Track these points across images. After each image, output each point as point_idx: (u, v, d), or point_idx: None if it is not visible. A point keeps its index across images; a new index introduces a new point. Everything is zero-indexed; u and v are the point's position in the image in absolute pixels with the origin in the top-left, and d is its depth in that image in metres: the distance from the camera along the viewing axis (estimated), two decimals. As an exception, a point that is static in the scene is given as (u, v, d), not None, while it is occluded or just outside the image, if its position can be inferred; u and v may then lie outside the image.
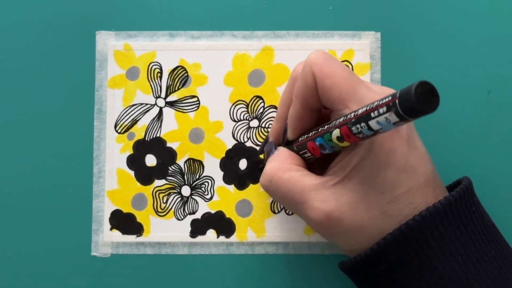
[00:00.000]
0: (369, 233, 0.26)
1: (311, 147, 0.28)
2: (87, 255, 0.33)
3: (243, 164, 0.34)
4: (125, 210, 0.34)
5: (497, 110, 0.34)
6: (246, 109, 0.34)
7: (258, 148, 0.34)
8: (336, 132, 0.25)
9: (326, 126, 0.26)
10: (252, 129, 0.34)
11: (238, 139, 0.34)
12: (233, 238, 0.33)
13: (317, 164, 0.30)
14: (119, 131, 0.34)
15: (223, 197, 0.34)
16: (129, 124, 0.34)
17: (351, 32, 0.34)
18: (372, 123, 0.23)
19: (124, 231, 0.33)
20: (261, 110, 0.34)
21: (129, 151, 0.34)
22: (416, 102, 0.20)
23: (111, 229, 0.33)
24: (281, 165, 0.28)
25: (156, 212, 0.34)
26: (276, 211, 0.34)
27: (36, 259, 0.33)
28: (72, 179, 0.34)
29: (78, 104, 0.34)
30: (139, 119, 0.34)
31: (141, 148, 0.34)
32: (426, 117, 0.34)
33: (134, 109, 0.34)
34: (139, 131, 0.34)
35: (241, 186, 0.34)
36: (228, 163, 0.34)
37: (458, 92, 0.34)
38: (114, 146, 0.34)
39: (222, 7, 0.34)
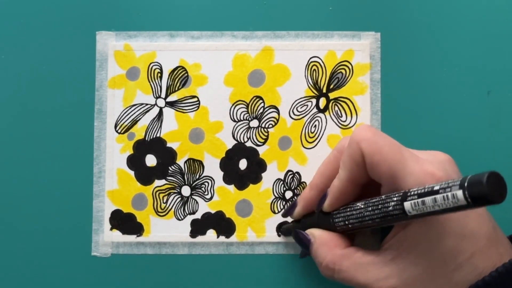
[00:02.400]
0: None
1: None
2: (87, 255, 0.33)
3: (243, 164, 0.34)
4: (125, 210, 0.34)
5: (497, 110, 0.34)
6: (246, 109, 0.34)
7: (282, 211, 0.33)
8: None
9: (378, 212, 0.26)
10: (252, 129, 0.34)
11: (238, 139, 0.34)
12: (233, 238, 0.33)
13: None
14: (119, 131, 0.34)
15: (223, 197, 0.34)
16: (129, 124, 0.34)
17: (351, 32, 0.34)
18: (435, 212, 0.23)
19: (124, 231, 0.34)
20: (261, 110, 0.34)
21: (129, 151, 0.34)
22: (489, 193, 0.20)
23: (111, 229, 0.33)
24: (334, 257, 0.28)
25: (156, 212, 0.34)
26: (276, 211, 0.34)
27: (36, 259, 0.33)
28: (72, 179, 0.34)
29: (78, 104, 0.34)
30: (139, 119, 0.34)
31: (141, 148, 0.34)
32: (426, 117, 0.34)
33: (134, 109, 0.34)
34: (139, 131, 0.34)
35: (241, 186, 0.34)
36: (228, 163, 0.34)
37: (458, 92, 0.34)
38: (114, 146, 0.34)
39: (222, 7, 0.34)
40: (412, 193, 0.24)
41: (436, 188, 0.22)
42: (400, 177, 0.25)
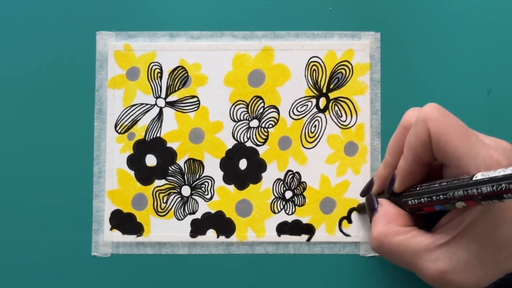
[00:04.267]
0: None
1: (427, 210, 0.28)
2: (87, 255, 0.33)
3: (243, 164, 0.34)
4: (125, 210, 0.34)
5: (497, 110, 0.34)
6: (246, 109, 0.34)
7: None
8: (461, 203, 0.25)
9: (442, 197, 0.26)
10: (252, 129, 0.34)
11: (238, 139, 0.34)
12: (233, 238, 0.33)
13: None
14: (119, 131, 0.34)
15: (223, 197, 0.34)
16: (129, 124, 0.34)
17: (351, 33, 0.34)
18: (507, 200, 0.23)
19: (124, 231, 0.34)
20: (261, 110, 0.34)
21: (129, 151, 0.34)
22: None
23: (111, 229, 0.33)
24: (389, 229, 0.28)
25: (156, 212, 0.34)
26: (276, 211, 0.34)
27: (36, 259, 0.33)
28: (72, 179, 0.34)
29: (78, 104, 0.34)
30: (139, 119, 0.34)
31: (141, 148, 0.34)
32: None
33: (134, 109, 0.34)
34: (139, 131, 0.34)
35: (241, 186, 0.34)
36: (228, 163, 0.34)
37: (458, 92, 0.34)
38: (114, 146, 0.34)
39: (222, 7, 0.34)
40: (478, 191, 0.24)
41: (507, 187, 0.22)
42: (466, 159, 0.25)
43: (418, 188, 0.28)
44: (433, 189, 0.27)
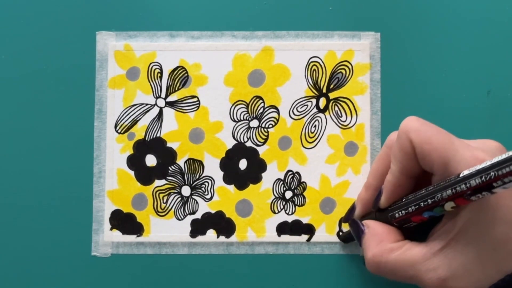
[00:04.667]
0: None
1: (417, 219, 0.27)
2: (87, 255, 0.33)
3: (243, 164, 0.34)
4: (125, 210, 0.34)
5: (497, 110, 0.34)
6: (246, 109, 0.34)
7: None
8: (450, 204, 0.25)
9: (430, 201, 0.26)
10: (252, 129, 0.34)
11: (238, 139, 0.34)
12: (233, 238, 0.33)
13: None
14: (119, 131, 0.34)
15: (223, 197, 0.34)
16: (129, 124, 0.34)
17: (351, 33, 0.34)
18: (496, 190, 0.23)
19: (124, 231, 0.34)
20: (261, 110, 0.34)
21: (129, 151, 0.34)
22: None
23: (111, 229, 0.34)
24: (382, 248, 0.28)
25: (156, 212, 0.34)
26: (276, 211, 0.34)
27: (36, 259, 0.33)
28: (72, 179, 0.34)
29: (78, 104, 0.34)
30: (139, 119, 0.34)
31: (141, 148, 0.34)
32: (426, 117, 0.34)
33: (134, 109, 0.34)
34: (139, 131, 0.34)
35: (241, 186, 0.34)
36: (228, 163, 0.34)
37: (458, 92, 0.34)
38: (114, 146, 0.34)
39: (222, 7, 0.34)
40: (467, 186, 0.24)
41: (496, 175, 0.22)
42: (451, 164, 0.25)
43: (404, 200, 0.28)
44: (420, 195, 0.27)
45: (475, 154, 0.25)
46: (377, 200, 0.30)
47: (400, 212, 0.28)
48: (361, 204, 0.31)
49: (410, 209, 0.27)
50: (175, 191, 0.34)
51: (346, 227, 0.33)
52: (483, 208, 0.25)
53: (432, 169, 0.26)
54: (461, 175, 0.24)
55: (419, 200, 0.27)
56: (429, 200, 0.26)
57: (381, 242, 0.28)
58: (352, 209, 0.32)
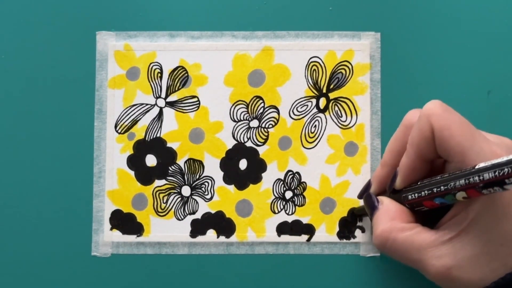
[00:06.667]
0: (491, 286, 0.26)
1: (428, 205, 0.28)
2: (87, 255, 0.33)
3: (243, 164, 0.34)
4: (125, 210, 0.34)
5: (497, 110, 0.34)
6: (246, 109, 0.34)
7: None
8: (461, 194, 0.25)
9: (443, 188, 0.26)
10: (252, 129, 0.34)
11: (238, 139, 0.34)
12: (233, 238, 0.33)
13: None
14: (119, 131, 0.34)
15: (223, 197, 0.34)
16: (129, 124, 0.34)
17: (351, 33, 0.34)
18: (509, 186, 0.23)
19: (124, 231, 0.34)
20: (261, 110, 0.34)
21: (129, 151, 0.34)
22: None
23: (111, 229, 0.34)
24: (392, 226, 0.28)
25: (156, 212, 0.34)
26: (276, 211, 0.34)
27: (36, 259, 0.33)
28: (72, 179, 0.34)
29: (78, 104, 0.34)
30: (139, 119, 0.34)
31: (141, 148, 0.34)
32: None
33: (134, 109, 0.34)
34: (139, 131, 0.34)
35: (241, 186, 0.34)
36: (228, 163, 0.34)
37: (458, 92, 0.34)
38: (114, 146, 0.34)
39: (222, 7, 0.34)
40: (480, 178, 0.24)
41: (508, 171, 0.22)
42: (469, 155, 0.25)
43: (419, 183, 0.28)
44: (435, 181, 0.27)
45: (493, 148, 0.25)
46: (392, 182, 0.30)
47: (413, 195, 0.28)
48: (377, 181, 0.31)
49: (423, 193, 0.27)
50: (175, 191, 0.34)
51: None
52: (495, 203, 0.25)
53: (449, 157, 0.26)
54: (476, 167, 0.24)
55: (433, 185, 0.27)
56: (442, 187, 0.26)
57: (392, 220, 0.28)
58: (368, 185, 0.32)
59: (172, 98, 0.34)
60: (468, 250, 0.26)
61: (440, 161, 0.28)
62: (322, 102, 0.34)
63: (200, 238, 0.33)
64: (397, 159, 0.30)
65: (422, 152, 0.27)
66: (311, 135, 0.34)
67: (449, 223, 0.27)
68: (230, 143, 0.34)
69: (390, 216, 0.29)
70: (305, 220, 0.34)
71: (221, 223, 0.34)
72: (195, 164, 0.34)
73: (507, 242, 0.25)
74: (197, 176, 0.34)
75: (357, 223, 0.33)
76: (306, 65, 0.34)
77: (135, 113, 0.34)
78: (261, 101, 0.34)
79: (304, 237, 0.33)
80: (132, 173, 0.34)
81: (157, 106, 0.34)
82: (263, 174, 0.34)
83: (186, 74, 0.34)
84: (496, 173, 0.23)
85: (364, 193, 0.32)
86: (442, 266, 0.26)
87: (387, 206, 0.29)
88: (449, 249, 0.26)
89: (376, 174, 0.31)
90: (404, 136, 0.29)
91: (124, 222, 0.34)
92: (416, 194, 0.28)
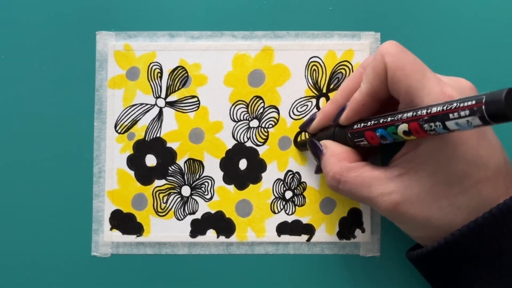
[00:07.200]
0: (437, 224, 0.26)
1: (370, 137, 0.28)
2: (87, 255, 0.33)
3: (243, 164, 0.34)
4: (125, 210, 0.34)
5: (497, 110, 0.34)
6: (246, 109, 0.34)
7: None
8: (403, 127, 0.25)
9: (389, 119, 0.26)
10: (252, 129, 0.34)
11: (238, 139, 0.34)
12: (233, 238, 0.33)
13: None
14: (119, 131, 0.34)
15: (223, 197, 0.34)
16: (129, 124, 0.34)
17: (351, 33, 0.34)
18: (450, 123, 0.22)
19: (124, 231, 0.34)
20: (261, 110, 0.34)
21: (129, 151, 0.34)
22: (506, 108, 0.20)
23: (111, 229, 0.33)
24: (342, 166, 0.29)
25: (156, 212, 0.34)
26: (276, 211, 0.34)
27: (36, 259, 0.33)
28: (72, 179, 0.34)
29: (78, 104, 0.34)
30: (139, 119, 0.34)
31: (141, 148, 0.34)
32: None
33: (134, 109, 0.34)
34: (139, 131, 0.34)
35: (241, 186, 0.34)
36: (228, 163, 0.34)
37: (458, 92, 0.34)
38: (114, 146, 0.34)
39: (222, 7, 0.34)
40: (426, 111, 0.24)
41: (451, 107, 0.22)
42: (418, 95, 0.25)
43: (368, 123, 0.28)
44: (383, 115, 0.27)
45: (444, 89, 0.25)
46: (339, 115, 0.30)
47: (359, 124, 0.28)
48: (322, 116, 0.31)
49: (369, 122, 0.27)
50: (175, 191, 0.34)
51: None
52: (445, 143, 0.25)
53: (399, 96, 0.27)
54: (427, 105, 0.24)
55: (380, 118, 0.27)
56: (389, 118, 0.26)
57: (340, 162, 0.29)
58: (311, 119, 0.32)
59: (172, 98, 0.34)
60: (416, 187, 0.26)
61: (388, 103, 0.28)
62: (322, 102, 0.34)
63: (200, 238, 0.33)
64: (347, 98, 0.30)
65: (374, 89, 0.28)
66: (311, 135, 0.34)
67: (398, 160, 0.27)
68: (230, 143, 0.34)
69: (337, 158, 0.29)
70: (305, 220, 0.34)
71: (221, 223, 0.34)
72: (195, 164, 0.34)
73: (455, 183, 0.25)
74: (197, 176, 0.34)
75: (361, 221, 0.33)
76: (306, 65, 0.34)
77: (135, 113, 0.34)
78: (261, 101, 0.34)
79: (304, 237, 0.33)
80: (132, 173, 0.34)
81: (157, 106, 0.34)
82: (263, 174, 0.34)
83: (186, 74, 0.34)
84: (444, 106, 0.23)
85: (307, 125, 0.32)
86: (391, 202, 0.26)
87: (332, 149, 0.30)
88: (398, 185, 0.26)
89: (323, 109, 0.31)
90: (359, 76, 0.30)
91: (124, 222, 0.34)
92: (362, 124, 0.28)
